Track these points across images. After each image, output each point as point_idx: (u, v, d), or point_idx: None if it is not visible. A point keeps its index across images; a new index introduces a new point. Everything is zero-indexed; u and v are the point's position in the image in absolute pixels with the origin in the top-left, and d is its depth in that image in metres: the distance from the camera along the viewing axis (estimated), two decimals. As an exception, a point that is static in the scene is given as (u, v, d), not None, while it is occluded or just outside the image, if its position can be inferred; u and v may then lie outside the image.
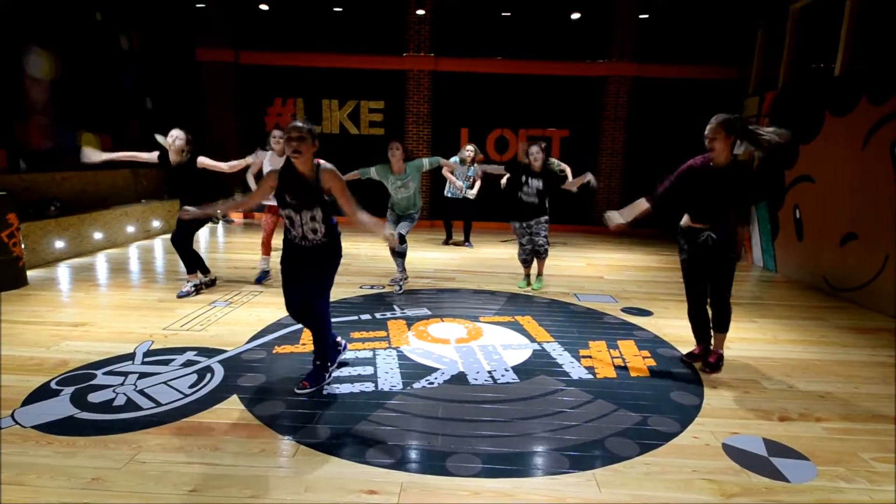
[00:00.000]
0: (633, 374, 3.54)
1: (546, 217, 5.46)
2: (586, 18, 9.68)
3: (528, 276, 5.79)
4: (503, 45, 9.93)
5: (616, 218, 3.54)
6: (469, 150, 7.67)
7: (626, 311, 4.98)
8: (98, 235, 6.86)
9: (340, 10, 9.81)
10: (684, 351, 3.89)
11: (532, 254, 5.55)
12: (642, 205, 3.53)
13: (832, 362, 3.89)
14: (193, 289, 5.04)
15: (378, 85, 10.10)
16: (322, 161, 3.03)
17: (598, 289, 5.81)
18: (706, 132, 3.27)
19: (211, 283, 5.31)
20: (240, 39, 9.93)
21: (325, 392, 3.12)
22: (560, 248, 8.36)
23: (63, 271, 5.84)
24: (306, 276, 3.08)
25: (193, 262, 5.06)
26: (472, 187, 7.76)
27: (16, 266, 5.04)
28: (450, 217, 8.38)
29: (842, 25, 6.15)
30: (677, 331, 4.40)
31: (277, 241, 5.86)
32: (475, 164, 7.72)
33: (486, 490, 2.28)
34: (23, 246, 5.17)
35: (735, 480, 2.40)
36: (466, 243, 8.20)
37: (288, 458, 2.47)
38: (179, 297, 4.93)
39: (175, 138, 4.75)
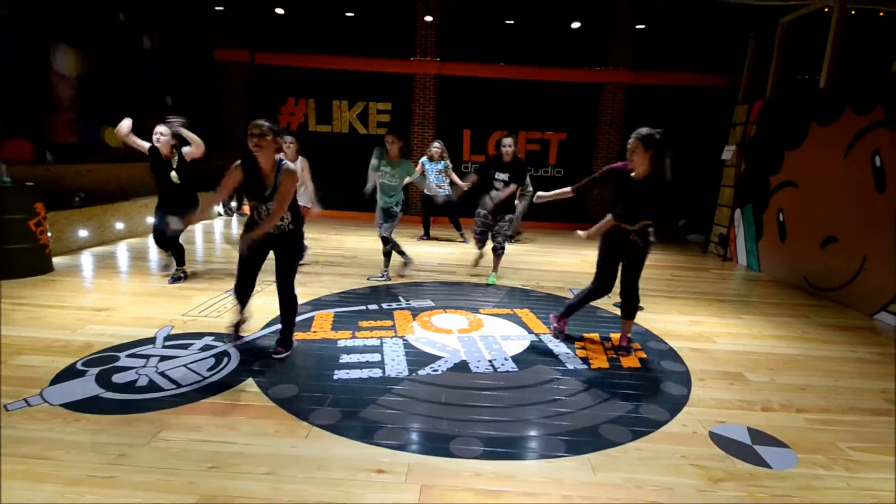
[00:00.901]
0: (625, 365, 3.56)
1: (510, 216, 5.35)
2: (585, 27, 9.63)
3: (481, 256, 5.77)
4: (506, 51, 9.89)
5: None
6: (436, 147, 7.59)
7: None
8: (119, 225, 6.86)
9: (352, 15, 9.77)
10: (673, 344, 3.92)
11: (483, 235, 5.46)
12: (566, 192, 3.68)
13: (813, 357, 3.91)
14: (184, 275, 5.07)
15: (386, 87, 10.07)
16: (286, 162, 3.12)
17: (592, 284, 5.81)
18: (628, 144, 3.34)
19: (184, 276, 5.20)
20: (256, 41, 9.88)
21: (335, 377, 3.14)
22: (555, 245, 8.36)
23: (87, 259, 5.84)
24: (277, 260, 3.29)
25: (178, 252, 5.05)
26: (445, 187, 7.67)
27: (42, 253, 5.05)
28: (430, 213, 8.23)
29: (827, 40, 6.14)
30: (666, 325, 4.42)
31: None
32: (444, 161, 7.64)
33: (487, 471, 2.30)
34: (49, 234, 5.18)
35: (721, 466, 2.42)
36: (462, 239, 8.17)
37: (301, 438, 2.49)
38: (172, 282, 4.95)
39: (160, 134, 4.72)
